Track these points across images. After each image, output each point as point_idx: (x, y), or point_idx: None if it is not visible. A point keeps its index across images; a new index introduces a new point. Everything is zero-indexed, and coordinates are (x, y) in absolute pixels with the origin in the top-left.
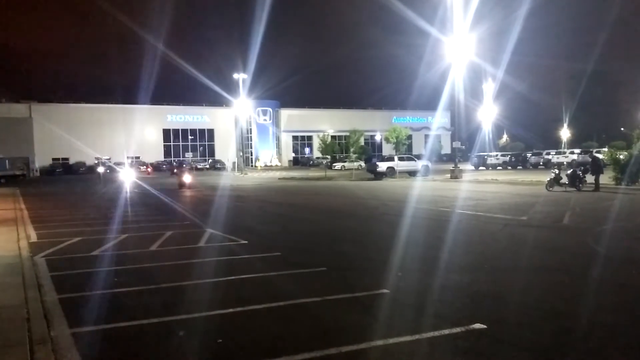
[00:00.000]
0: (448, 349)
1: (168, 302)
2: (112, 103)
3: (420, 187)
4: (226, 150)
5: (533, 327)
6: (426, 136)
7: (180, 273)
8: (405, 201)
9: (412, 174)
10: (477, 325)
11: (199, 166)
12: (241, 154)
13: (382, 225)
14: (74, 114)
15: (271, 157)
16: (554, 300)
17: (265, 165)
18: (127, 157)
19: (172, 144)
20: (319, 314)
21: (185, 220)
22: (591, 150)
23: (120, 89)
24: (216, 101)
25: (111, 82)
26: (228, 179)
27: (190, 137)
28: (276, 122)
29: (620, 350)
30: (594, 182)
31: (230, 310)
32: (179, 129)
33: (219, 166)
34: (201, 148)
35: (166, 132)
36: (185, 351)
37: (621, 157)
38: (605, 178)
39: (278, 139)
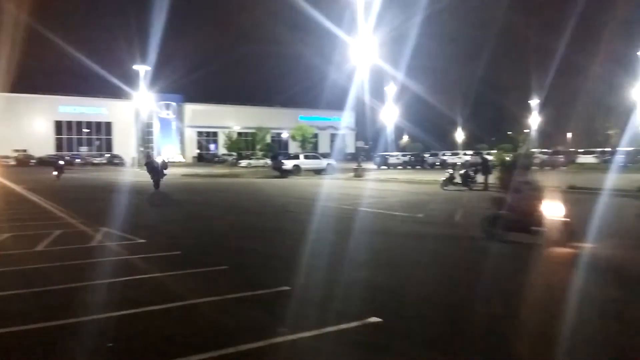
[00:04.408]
0: (344, 343)
1: (54, 305)
2: None
3: (325, 185)
4: (125, 145)
5: (425, 319)
6: (332, 135)
7: (69, 275)
8: (309, 199)
9: (317, 172)
10: (373, 319)
11: (94, 161)
12: (142, 149)
13: (286, 222)
14: None
15: (174, 152)
16: (446, 293)
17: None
18: (14, 150)
19: (64, 136)
20: (217, 313)
21: (75, 219)
22: (482, 152)
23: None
24: (115, 93)
25: None
26: (126, 175)
27: (85, 130)
28: (180, 116)
29: (505, 337)
30: (483, 181)
31: (124, 312)
32: (72, 121)
33: (117, 161)
34: (98, 142)
35: (58, 124)
36: (72, 357)
37: (507, 158)
38: (494, 178)
39: (182, 134)
